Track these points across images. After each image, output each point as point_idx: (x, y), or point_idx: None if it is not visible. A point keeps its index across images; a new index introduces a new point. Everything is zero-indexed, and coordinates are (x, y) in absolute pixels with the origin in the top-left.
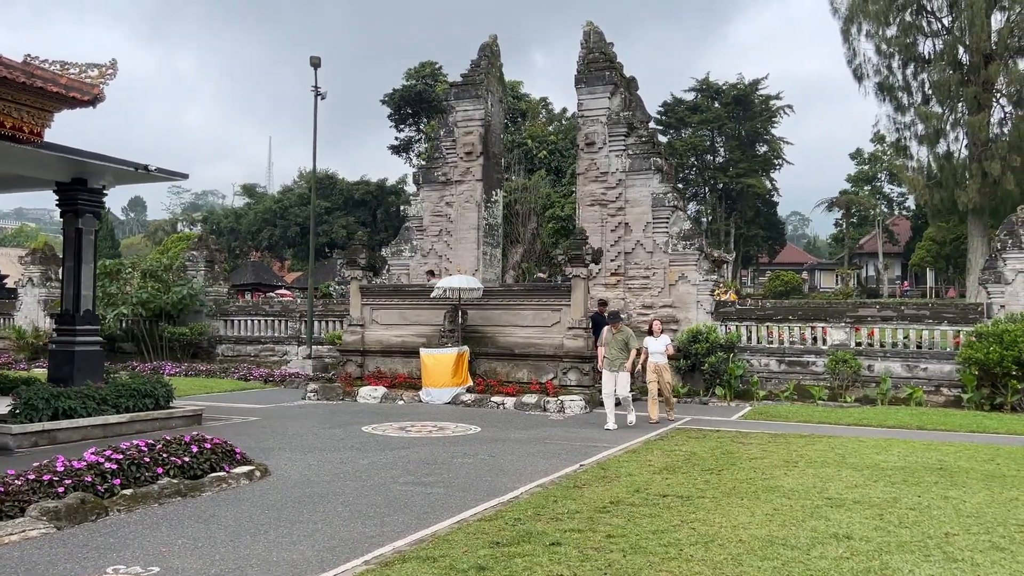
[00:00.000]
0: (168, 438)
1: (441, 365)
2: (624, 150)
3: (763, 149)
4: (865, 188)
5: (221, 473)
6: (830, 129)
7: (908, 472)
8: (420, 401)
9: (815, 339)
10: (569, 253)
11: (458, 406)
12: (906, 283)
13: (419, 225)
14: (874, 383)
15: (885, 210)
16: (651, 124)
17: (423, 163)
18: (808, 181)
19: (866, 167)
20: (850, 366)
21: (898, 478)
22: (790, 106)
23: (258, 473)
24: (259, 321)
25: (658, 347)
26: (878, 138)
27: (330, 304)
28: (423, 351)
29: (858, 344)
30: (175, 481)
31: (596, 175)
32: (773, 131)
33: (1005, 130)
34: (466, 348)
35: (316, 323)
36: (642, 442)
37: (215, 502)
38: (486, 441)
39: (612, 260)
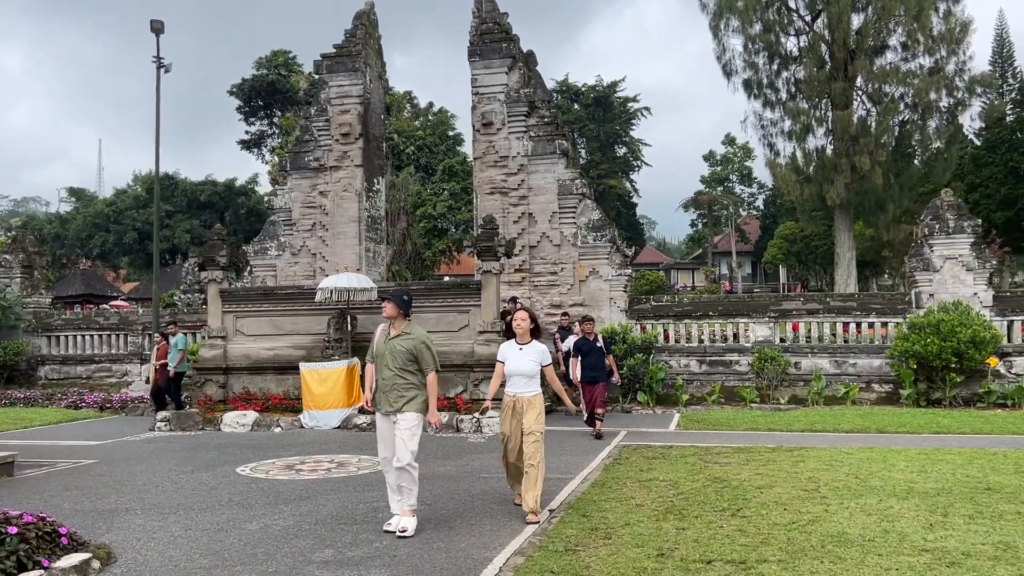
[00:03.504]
0: None
1: (327, 382)
2: (525, 131)
3: (622, 151)
4: (718, 188)
5: (36, 572)
6: (677, 135)
7: (965, 498)
8: (302, 427)
9: (736, 336)
10: (478, 245)
11: (351, 431)
12: (727, 284)
13: (287, 219)
14: (802, 381)
15: (731, 210)
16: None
17: (290, 148)
18: (659, 184)
19: (719, 168)
20: (777, 364)
21: (967, 509)
22: (647, 108)
23: (97, 564)
24: (92, 336)
25: (519, 365)
26: (729, 140)
27: (178, 314)
28: (303, 366)
29: (782, 340)
30: None
31: (495, 159)
32: (632, 133)
33: (870, 125)
34: (357, 360)
35: None
36: (599, 469)
37: None
38: None
39: (516, 255)
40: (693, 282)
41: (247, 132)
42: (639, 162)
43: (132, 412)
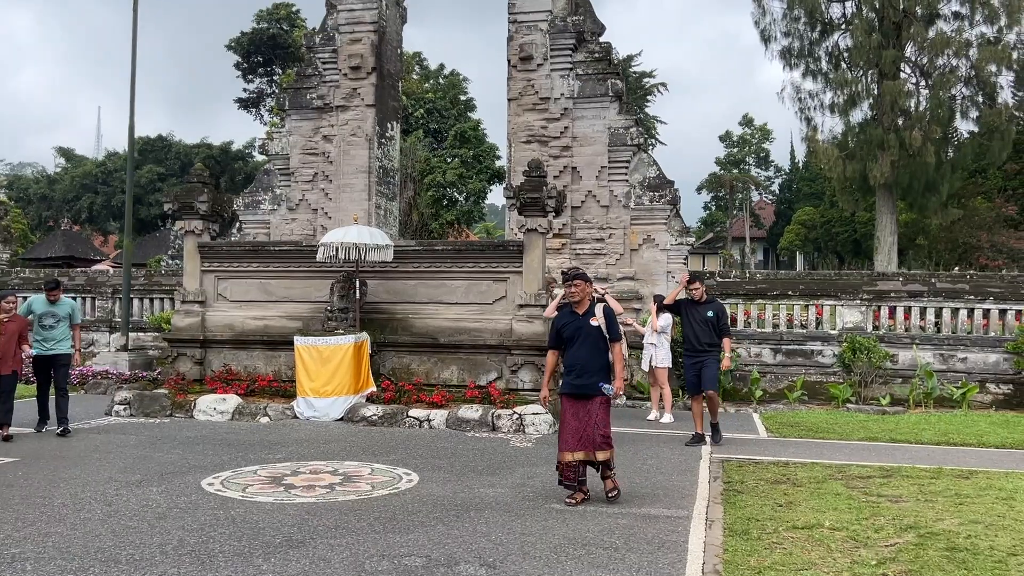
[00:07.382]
0: None
1: (329, 362)
2: (571, 69)
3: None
4: (733, 170)
5: None
6: (683, 119)
7: None
8: (296, 417)
9: (819, 321)
10: (522, 196)
11: (358, 424)
12: None
13: (284, 167)
14: (900, 378)
15: (744, 194)
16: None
17: (290, 84)
18: (663, 168)
19: (735, 150)
20: (873, 356)
21: None
22: (664, 84)
23: None
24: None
25: None
26: (747, 121)
27: (156, 276)
28: (299, 341)
29: (875, 328)
30: None
31: (534, 101)
32: (647, 110)
33: (920, 99)
34: (366, 336)
35: (137, 301)
36: (717, 500)
37: None
38: (446, 508)
39: (555, 217)
40: (703, 268)
41: (245, 90)
42: (654, 140)
43: (94, 389)
